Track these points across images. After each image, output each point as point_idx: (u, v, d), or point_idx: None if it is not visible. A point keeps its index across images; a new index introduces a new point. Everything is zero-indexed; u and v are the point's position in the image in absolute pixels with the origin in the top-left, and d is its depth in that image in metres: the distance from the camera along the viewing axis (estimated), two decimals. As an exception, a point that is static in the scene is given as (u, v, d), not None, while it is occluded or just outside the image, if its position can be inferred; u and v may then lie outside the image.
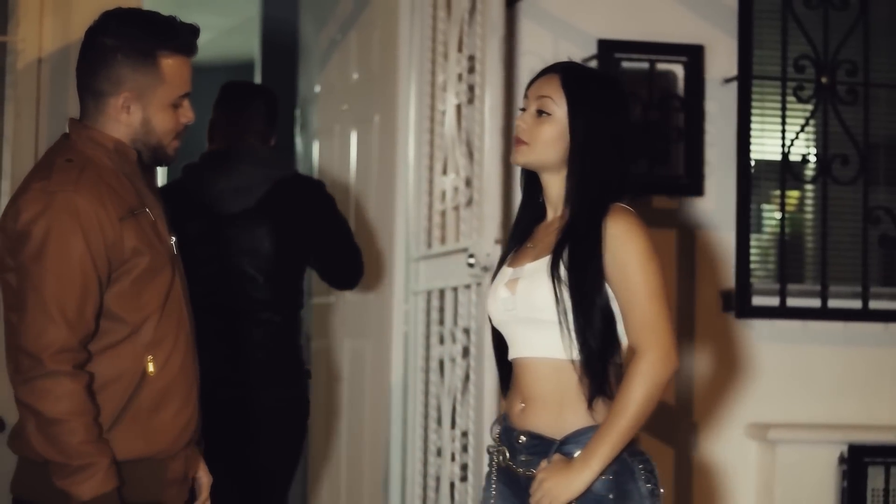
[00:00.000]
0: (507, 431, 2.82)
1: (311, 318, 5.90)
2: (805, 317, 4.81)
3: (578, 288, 2.69)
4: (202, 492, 2.94)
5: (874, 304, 4.83)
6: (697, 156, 4.80)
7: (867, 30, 4.83)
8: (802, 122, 4.83)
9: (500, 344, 2.90)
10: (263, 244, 4.27)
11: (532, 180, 2.90)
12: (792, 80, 4.81)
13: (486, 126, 4.17)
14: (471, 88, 4.38)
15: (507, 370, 2.90)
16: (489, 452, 2.88)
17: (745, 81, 4.77)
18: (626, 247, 2.70)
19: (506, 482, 2.82)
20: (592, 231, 2.71)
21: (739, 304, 4.74)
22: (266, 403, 4.27)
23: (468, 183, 4.36)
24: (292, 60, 6.89)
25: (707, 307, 4.82)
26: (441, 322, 4.57)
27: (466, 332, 4.30)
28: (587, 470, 2.65)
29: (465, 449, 4.30)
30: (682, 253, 4.82)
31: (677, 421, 4.79)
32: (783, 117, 4.79)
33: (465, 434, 4.29)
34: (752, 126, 4.77)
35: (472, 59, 4.37)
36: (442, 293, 4.55)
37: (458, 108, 4.49)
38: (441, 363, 4.55)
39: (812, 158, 4.89)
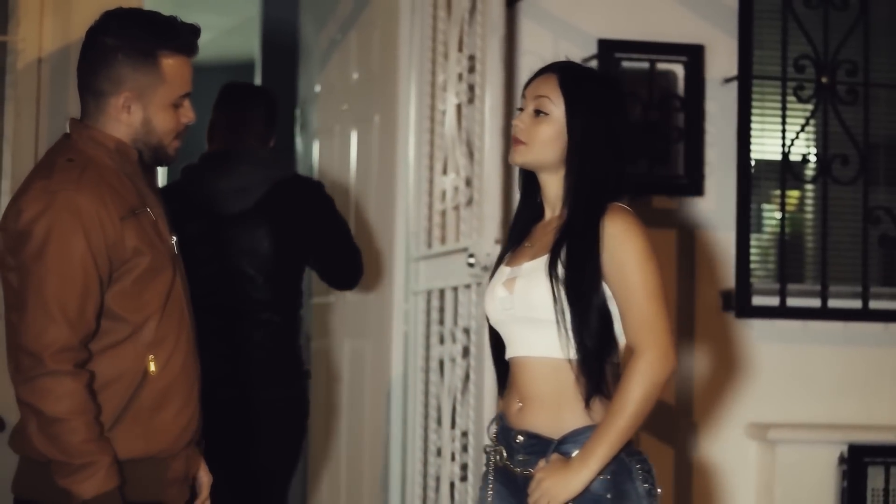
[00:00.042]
0: (504, 431, 2.82)
1: (311, 317, 5.90)
2: (805, 317, 4.81)
3: (575, 287, 2.69)
4: (202, 491, 2.94)
5: (874, 304, 4.83)
6: (697, 156, 4.80)
7: (867, 30, 4.83)
8: (802, 121, 4.83)
9: (497, 343, 2.90)
10: (263, 244, 4.27)
11: (530, 180, 2.90)
12: (792, 79, 4.81)
13: (486, 126, 4.17)
14: (471, 88, 4.38)
15: (503, 370, 2.90)
16: (486, 452, 2.88)
17: (745, 81, 4.77)
18: (624, 246, 2.70)
19: (503, 482, 2.82)
20: (590, 230, 2.71)
21: (739, 303, 4.74)
22: (266, 403, 4.27)
23: (468, 183, 4.37)
24: (292, 60, 6.89)
25: (707, 307, 4.82)
26: (441, 322, 4.57)
27: (466, 331, 4.30)
28: (585, 469, 2.65)
29: (465, 449, 4.30)
30: (682, 253, 4.82)
31: (677, 421, 4.79)
32: (783, 117, 4.79)
33: (465, 434, 4.29)
34: (752, 126, 4.77)
35: (472, 58, 4.37)
36: (442, 293, 4.55)
37: (459, 107, 4.49)
38: (441, 363, 4.54)
39: (812, 158, 4.89)
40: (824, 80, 4.81)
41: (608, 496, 2.67)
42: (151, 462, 2.74)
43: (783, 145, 4.79)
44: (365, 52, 5.44)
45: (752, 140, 4.77)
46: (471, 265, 4.15)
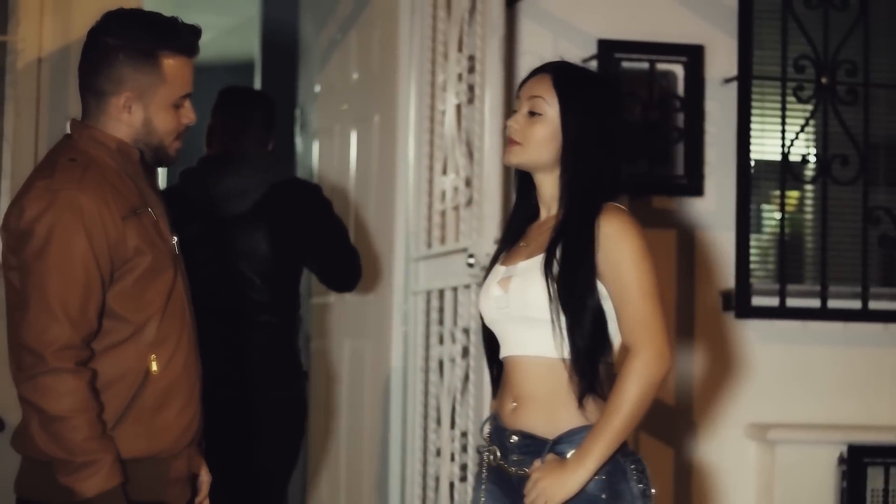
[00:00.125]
0: (498, 431, 2.82)
1: (310, 318, 5.90)
2: (805, 317, 4.81)
3: (570, 287, 2.69)
4: (201, 490, 2.95)
5: (874, 305, 4.83)
6: (697, 156, 4.80)
7: (867, 30, 4.83)
8: (802, 122, 4.83)
9: (490, 343, 2.90)
10: (261, 247, 4.28)
11: (525, 180, 2.90)
12: (792, 80, 4.81)
13: (485, 126, 4.17)
14: (471, 88, 4.38)
15: (497, 369, 2.90)
16: (479, 452, 2.88)
17: (744, 81, 4.77)
18: (619, 246, 2.70)
19: (496, 482, 2.82)
20: (586, 230, 2.71)
21: (739, 304, 4.73)
22: (264, 404, 4.28)
23: (468, 183, 4.37)
24: (292, 60, 6.89)
25: (707, 307, 4.82)
26: (441, 322, 4.57)
27: (466, 332, 4.30)
28: (582, 469, 2.65)
29: (464, 449, 4.30)
30: (682, 253, 4.81)
31: (677, 421, 4.79)
32: (783, 117, 4.79)
33: (464, 434, 4.29)
34: (752, 126, 4.77)
35: (472, 58, 4.37)
36: (441, 293, 4.55)
37: (458, 107, 4.49)
38: (440, 363, 4.55)
39: (812, 158, 4.89)
40: (824, 80, 4.81)
41: (603, 496, 2.67)
42: (153, 462, 2.74)
43: (783, 145, 4.79)
44: (365, 52, 5.44)
45: (752, 140, 4.77)
46: (470, 265, 4.15)
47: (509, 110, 4.28)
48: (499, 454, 2.80)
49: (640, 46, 4.78)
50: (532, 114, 2.80)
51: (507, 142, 2.83)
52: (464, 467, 4.31)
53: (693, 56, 4.80)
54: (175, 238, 2.87)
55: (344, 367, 5.50)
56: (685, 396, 4.79)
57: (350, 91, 5.64)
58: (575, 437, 2.69)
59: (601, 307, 2.72)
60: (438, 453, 4.52)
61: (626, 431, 2.66)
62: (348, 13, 5.72)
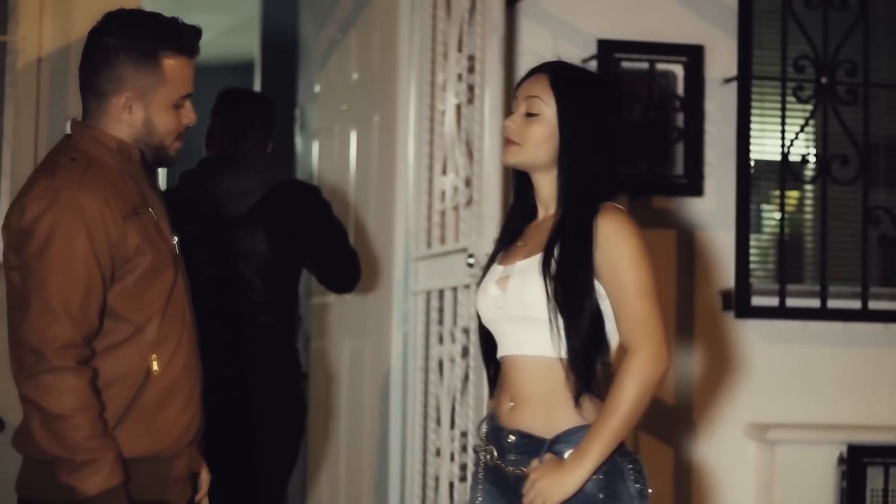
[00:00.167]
0: (494, 430, 2.82)
1: (310, 317, 5.91)
2: (804, 317, 4.81)
3: (567, 286, 2.69)
4: (200, 489, 2.95)
5: (874, 305, 4.83)
6: (697, 156, 4.80)
7: (867, 30, 4.83)
8: (802, 122, 4.83)
9: (487, 342, 2.90)
10: (260, 247, 4.29)
11: (523, 180, 2.90)
12: (792, 80, 4.81)
13: (485, 126, 4.17)
14: (470, 88, 4.38)
15: (494, 369, 2.90)
16: (476, 452, 2.88)
17: (744, 81, 4.77)
18: (618, 245, 2.70)
19: (493, 481, 2.82)
20: (583, 230, 2.71)
21: (739, 304, 4.73)
22: (263, 405, 4.28)
23: (468, 183, 4.37)
24: (292, 60, 6.89)
25: (707, 307, 4.82)
26: (440, 322, 4.57)
27: (466, 331, 4.30)
28: (580, 469, 2.65)
29: (464, 449, 4.30)
30: (682, 253, 4.82)
31: (676, 421, 4.79)
32: (783, 117, 4.79)
33: (464, 434, 4.29)
34: (752, 126, 4.77)
35: (471, 58, 4.37)
36: (441, 293, 4.55)
37: (458, 107, 4.49)
38: (440, 363, 4.55)
39: (812, 158, 4.89)
40: (824, 80, 4.81)
41: (600, 496, 2.67)
42: (154, 461, 2.75)
43: (783, 145, 4.79)
44: (364, 52, 5.44)
45: (752, 140, 4.77)
46: (470, 265, 4.15)
47: (509, 110, 4.29)
48: (496, 454, 2.80)
49: (640, 46, 4.78)
50: (529, 114, 2.81)
51: (505, 142, 2.84)
52: (463, 467, 4.31)
53: (693, 56, 4.80)
54: (175, 238, 2.87)
55: (344, 366, 5.50)
56: (685, 396, 4.79)
57: (350, 91, 5.64)
58: (573, 437, 2.69)
59: (599, 307, 2.72)
60: (438, 453, 4.52)
61: (625, 431, 2.66)
62: (348, 13, 5.72)
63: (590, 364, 2.70)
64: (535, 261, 2.75)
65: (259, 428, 4.28)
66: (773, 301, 4.75)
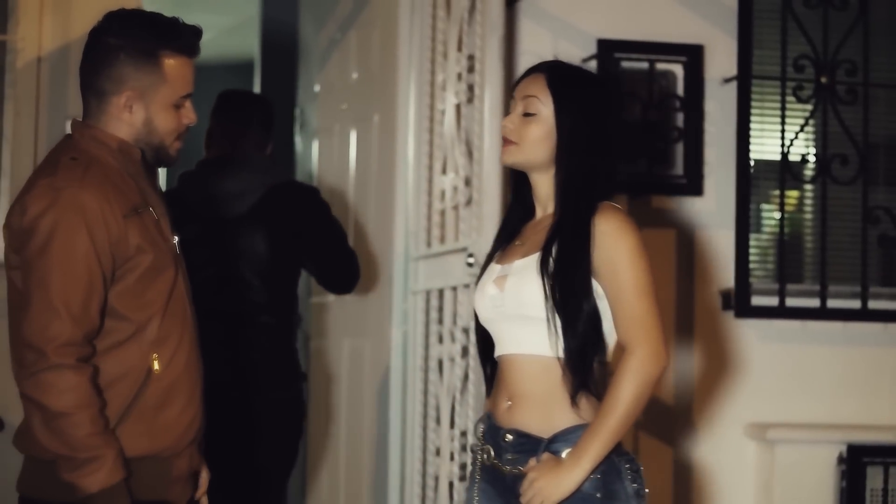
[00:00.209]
0: (491, 430, 2.82)
1: (310, 317, 5.91)
2: (804, 317, 4.81)
3: (565, 285, 2.69)
4: (200, 487, 2.95)
5: (873, 304, 4.83)
6: (697, 156, 4.80)
7: (867, 30, 4.83)
8: (802, 121, 4.83)
9: (484, 341, 2.90)
10: (259, 248, 4.29)
11: (521, 180, 2.91)
12: (791, 79, 4.81)
13: (485, 125, 4.17)
14: (470, 88, 4.39)
15: (490, 368, 2.90)
16: (472, 451, 2.88)
17: (744, 81, 4.77)
18: (616, 244, 2.70)
19: (489, 481, 2.82)
20: (581, 229, 2.71)
21: (739, 303, 4.73)
22: (262, 405, 4.28)
23: (467, 182, 4.37)
24: (292, 60, 6.89)
25: (706, 307, 4.82)
26: (440, 321, 4.57)
27: (465, 331, 4.30)
28: (578, 468, 2.65)
29: (464, 448, 4.30)
30: (682, 253, 4.81)
31: (676, 420, 4.79)
32: (783, 117, 4.79)
33: (463, 433, 4.30)
34: (752, 126, 4.77)
35: (471, 58, 4.38)
36: (441, 292, 4.55)
37: (458, 107, 4.49)
38: (440, 362, 4.55)
39: (811, 158, 4.89)
40: (824, 79, 4.81)
41: (598, 495, 2.67)
42: (155, 460, 2.75)
43: (782, 145, 4.79)
44: (364, 51, 5.44)
45: (752, 140, 4.77)
46: (470, 265, 4.15)
47: (509, 110, 4.29)
48: (492, 453, 2.80)
49: (640, 46, 4.78)
50: (527, 114, 2.81)
51: (503, 141, 2.84)
52: (463, 466, 4.31)
53: (693, 56, 4.81)
54: (176, 238, 2.87)
55: (343, 366, 5.50)
56: (685, 396, 4.79)
57: (350, 90, 5.64)
58: (570, 436, 2.69)
59: (596, 306, 2.72)
60: (438, 452, 4.52)
61: (622, 430, 2.66)
62: (348, 13, 5.72)
63: (587, 363, 2.70)
64: (533, 260, 2.75)
65: (258, 428, 4.28)
66: (772, 301, 4.76)
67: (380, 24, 5.25)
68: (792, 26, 4.78)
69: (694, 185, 4.80)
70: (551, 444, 2.70)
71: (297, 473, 5.75)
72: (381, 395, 4.99)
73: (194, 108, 2.85)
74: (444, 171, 4.59)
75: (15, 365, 2.67)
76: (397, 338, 4.90)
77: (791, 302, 4.78)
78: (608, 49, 4.74)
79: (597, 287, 2.72)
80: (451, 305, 4.44)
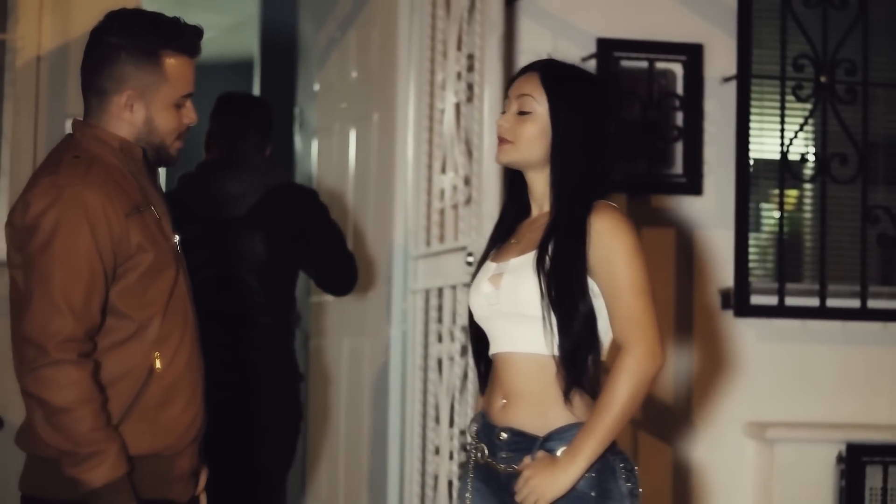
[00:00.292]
0: (486, 428, 2.81)
1: (309, 316, 5.91)
2: (803, 316, 4.81)
3: (561, 284, 2.69)
4: (198, 485, 2.95)
5: (873, 304, 4.84)
6: (696, 155, 4.80)
7: (866, 29, 4.83)
8: (801, 121, 4.83)
9: (478, 339, 2.90)
10: (257, 249, 4.30)
11: (517, 178, 2.91)
12: (791, 79, 4.81)
13: (484, 124, 4.17)
14: (470, 87, 4.39)
15: (484, 366, 2.90)
16: (466, 450, 2.87)
17: (744, 80, 4.77)
18: (612, 243, 2.70)
19: (483, 479, 2.82)
20: (577, 227, 2.71)
21: (738, 302, 4.74)
22: (260, 406, 4.29)
23: (467, 181, 4.37)
24: (291, 59, 6.89)
25: (706, 306, 4.82)
26: (440, 320, 4.57)
27: (465, 330, 4.30)
28: (573, 467, 2.65)
29: (463, 447, 4.30)
30: (681, 252, 4.82)
31: (675, 419, 4.79)
32: (782, 116, 4.79)
33: (463, 432, 4.30)
34: (751, 125, 4.77)
35: (471, 57, 4.38)
36: (440, 291, 4.55)
37: (457, 106, 4.49)
38: (439, 362, 4.55)
39: (811, 157, 4.89)
40: (823, 79, 4.82)
41: (592, 494, 2.67)
42: (157, 459, 2.75)
43: (782, 144, 4.79)
44: (364, 50, 5.44)
45: (751, 139, 4.77)
46: (469, 264, 4.15)
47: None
48: (486, 451, 2.80)
49: (640, 45, 4.78)
50: (522, 112, 2.81)
51: (498, 140, 2.84)
52: (463, 466, 4.31)
53: (692, 55, 4.81)
54: (177, 237, 2.88)
55: (343, 365, 5.50)
56: (684, 395, 4.79)
57: (349, 89, 5.64)
58: (565, 435, 2.69)
59: (592, 304, 2.72)
60: (437, 451, 4.53)
61: (618, 429, 2.66)
62: (347, 12, 5.72)
63: (581, 361, 2.70)
64: (529, 258, 2.75)
65: (256, 428, 4.28)
66: (772, 300, 4.76)
67: (379, 23, 5.26)
68: (791, 26, 4.79)
69: (693, 184, 4.80)
70: (546, 443, 2.70)
71: (297, 472, 5.75)
72: (381, 393, 4.99)
73: (194, 108, 2.86)
74: (443, 171, 4.59)
75: (16, 361, 2.67)
76: (397, 337, 4.90)
77: (790, 301, 4.78)
78: (608, 48, 4.74)
79: (592, 285, 2.72)
80: (450, 304, 4.44)
